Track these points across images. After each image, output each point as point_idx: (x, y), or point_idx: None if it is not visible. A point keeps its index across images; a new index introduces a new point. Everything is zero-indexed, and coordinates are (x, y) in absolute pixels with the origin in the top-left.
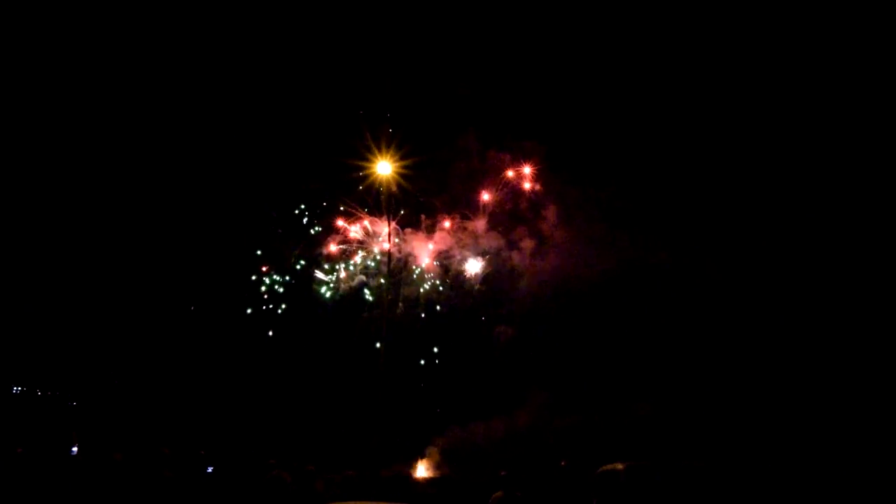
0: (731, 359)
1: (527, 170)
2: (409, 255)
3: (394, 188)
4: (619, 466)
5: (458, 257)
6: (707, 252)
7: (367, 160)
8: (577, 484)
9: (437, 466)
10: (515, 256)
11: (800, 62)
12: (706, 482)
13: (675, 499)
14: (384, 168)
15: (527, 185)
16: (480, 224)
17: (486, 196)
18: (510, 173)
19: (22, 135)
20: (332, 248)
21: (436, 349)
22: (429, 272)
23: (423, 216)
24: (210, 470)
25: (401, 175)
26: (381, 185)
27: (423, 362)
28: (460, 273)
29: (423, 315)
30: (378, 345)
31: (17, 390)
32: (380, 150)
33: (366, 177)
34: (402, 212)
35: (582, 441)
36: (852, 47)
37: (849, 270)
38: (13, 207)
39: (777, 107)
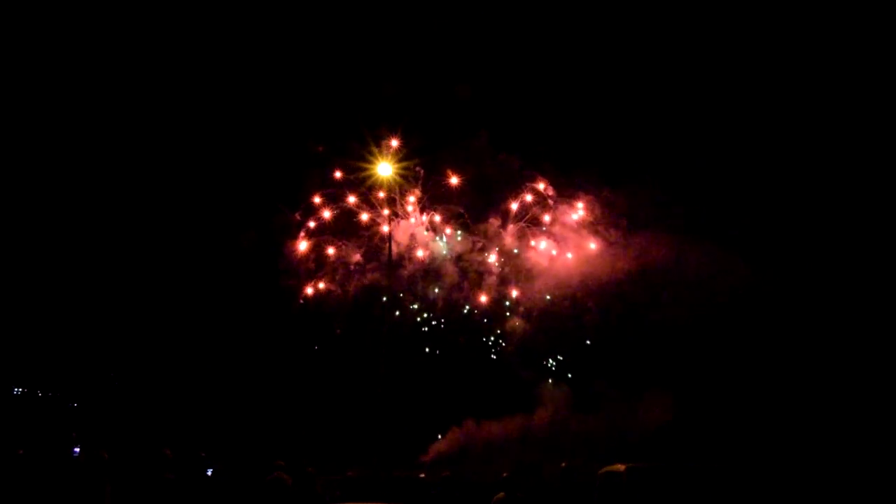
0: (735, 362)
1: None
2: (420, 254)
3: (395, 189)
4: (621, 468)
5: (473, 258)
6: (713, 255)
7: (370, 161)
8: (579, 485)
9: (438, 467)
10: (530, 258)
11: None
12: (707, 483)
13: (676, 500)
14: (384, 169)
15: (541, 187)
16: (495, 225)
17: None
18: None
19: (23, 134)
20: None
21: (440, 350)
22: (440, 272)
23: (437, 218)
24: (211, 472)
25: (404, 177)
26: (382, 184)
27: (425, 363)
28: (479, 273)
29: (430, 315)
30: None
31: (17, 391)
32: (380, 151)
33: (375, 176)
34: (415, 211)
35: (584, 442)
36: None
37: (860, 278)
38: (14, 207)
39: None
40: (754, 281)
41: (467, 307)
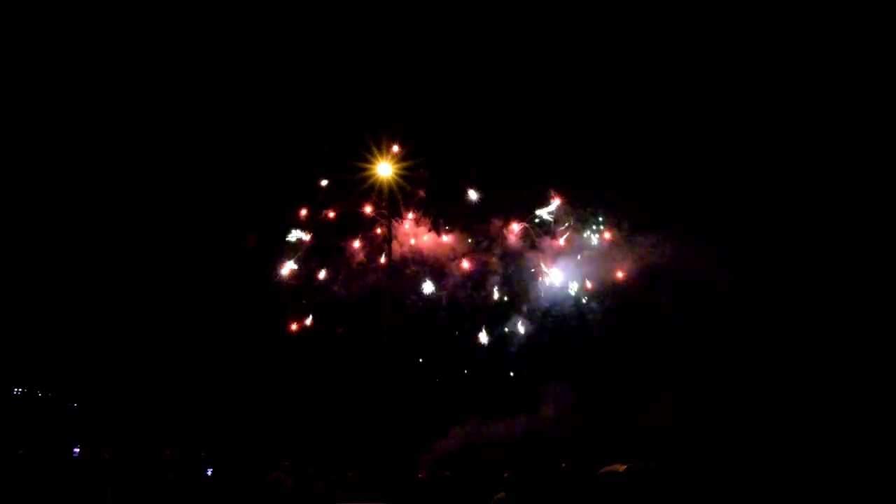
0: (735, 362)
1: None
2: (422, 255)
3: (395, 190)
4: (621, 468)
5: (476, 259)
6: (714, 255)
7: (370, 161)
8: (579, 485)
9: (438, 467)
10: (534, 259)
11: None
12: (707, 484)
13: (676, 500)
14: (384, 169)
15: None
16: (498, 226)
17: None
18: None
19: (23, 133)
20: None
21: (440, 349)
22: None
23: (440, 220)
24: (211, 472)
25: (405, 177)
26: (382, 186)
27: (426, 362)
28: (478, 274)
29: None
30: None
31: (17, 391)
32: (380, 152)
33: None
34: (415, 214)
35: (584, 442)
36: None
37: (861, 278)
38: (14, 207)
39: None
40: (755, 281)
41: (468, 307)
